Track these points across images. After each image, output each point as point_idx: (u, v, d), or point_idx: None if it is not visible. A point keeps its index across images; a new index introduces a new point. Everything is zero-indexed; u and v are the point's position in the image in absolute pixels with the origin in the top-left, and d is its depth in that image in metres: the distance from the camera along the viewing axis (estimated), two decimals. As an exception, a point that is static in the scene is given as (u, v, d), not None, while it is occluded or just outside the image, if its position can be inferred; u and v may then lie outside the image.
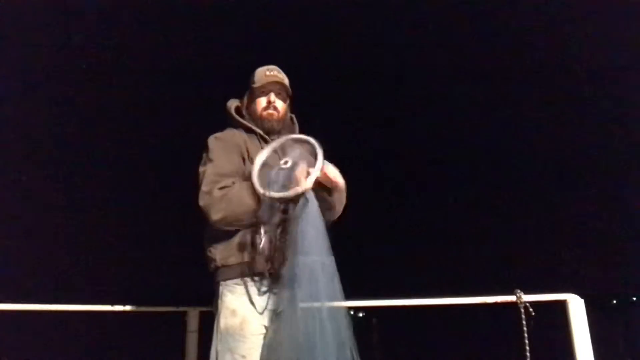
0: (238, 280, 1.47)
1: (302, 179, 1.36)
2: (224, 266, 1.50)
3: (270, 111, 1.62)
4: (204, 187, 1.49)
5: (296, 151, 1.44)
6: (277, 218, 1.42)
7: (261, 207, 1.41)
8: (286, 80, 1.68)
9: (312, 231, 1.34)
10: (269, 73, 1.65)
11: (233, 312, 1.43)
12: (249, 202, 1.42)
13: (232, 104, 1.73)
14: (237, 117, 1.67)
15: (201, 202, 1.46)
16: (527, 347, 1.84)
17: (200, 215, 1.49)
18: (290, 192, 1.36)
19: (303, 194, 1.37)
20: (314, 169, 1.38)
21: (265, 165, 1.46)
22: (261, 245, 1.44)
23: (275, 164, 1.44)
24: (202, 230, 1.62)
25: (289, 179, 1.38)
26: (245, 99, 1.71)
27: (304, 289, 1.30)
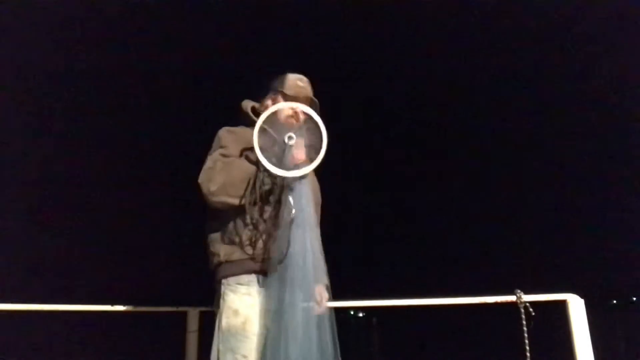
0: (240, 279, 1.48)
1: (304, 160, 1.41)
2: (227, 262, 1.50)
3: (293, 121, 1.61)
4: (207, 164, 1.50)
5: (296, 126, 1.46)
6: (274, 189, 1.45)
7: (259, 174, 1.44)
8: (311, 93, 1.70)
9: (305, 206, 1.40)
10: (301, 84, 1.66)
11: (235, 312, 1.43)
12: (248, 168, 1.46)
13: (248, 104, 1.73)
14: (254, 117, 1.65)
15: (200, 178, 1.46)
16: (527, 347, 1.84)
17: (198, 193, 1.47)
18: (298, 173, 1.38)
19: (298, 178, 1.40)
20: (319, 152, 1.41)
21: (265, 137, 1.44)
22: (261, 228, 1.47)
23: (274, 135, 1.45)
24: (204, 227, 1.62)
25: (293, 158, 1.41)
26: (268, 100, 1.70)
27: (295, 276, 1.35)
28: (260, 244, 1.49)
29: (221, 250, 1.52)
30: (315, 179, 1.81)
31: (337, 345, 1.44)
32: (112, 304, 2.08)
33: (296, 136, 1.43)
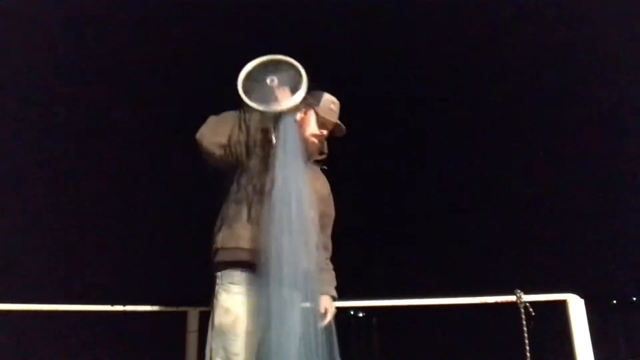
0: (233, 278, 1.49)
1: (283, 100, 1.45)
2: (222, 248, 1.52)
3: (316, 141, 1.69)
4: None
5: (283, 73, 1.50)
6: (258, 131, 1.50)
7: (243, 114, 1.50)
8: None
9: (290, 155, 1.43)
10: (334, 108, 1.72)
11: (226, 311, 1.45)
12: (239, 112, 1.52)
13: None
14: None
15: (197, 133, 1.52)
16: (527, 347, 1.84)
17: (196, 149, 1.53)
18: (279, 106, 1.44)
19: (282, 115, 1.46)
20: (297, 93, 1.46)
21: (250, 77, 1.50)
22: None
23: (260, 78, 1.49)
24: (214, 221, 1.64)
25: (271, 96, 1.46)
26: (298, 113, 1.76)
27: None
28: (250, 193, 1.52)
29: (219, 237, 1.54)
30: (325, 185, 1.80)
31: (336, 347, 1.44)
32: (112, 304, 2.08)
33: (278, 81, 1.47)
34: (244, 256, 1.48)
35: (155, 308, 2.14)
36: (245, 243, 1.49)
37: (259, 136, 1.51)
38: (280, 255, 1.36)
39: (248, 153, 1.52)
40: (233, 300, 1.46)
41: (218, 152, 1.50)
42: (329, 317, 1.62)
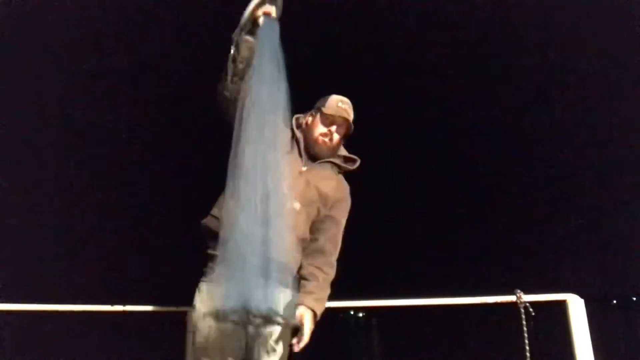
0: (207, 275, 1.54)
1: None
2: (209, 215, 1.58)
3: (326, 139, 1.70)
4: None
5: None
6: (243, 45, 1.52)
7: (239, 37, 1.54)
8: (352, 117, 1.75)
9: (268, 59, 1.45)
10: (341, 106, 1.72)
11: (193, 307, 1.55)
12: None
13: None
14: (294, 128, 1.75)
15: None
16: (527, 347, 1.84)
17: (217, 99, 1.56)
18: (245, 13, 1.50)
19: (256, 20, 1.48)
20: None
21: None
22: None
23: None
24: None
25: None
26: (308, 117, 1.77)
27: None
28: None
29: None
30: (339, 190, 1.74)
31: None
32: (112, 304, 2.08)
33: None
34: (212, 223, 1.54)
35: (155, 308, 2.14)
36: (216, 210, 1.55)
37: (242, 49, 1.50)
38: (238, 228, 1.30)
39: (237, 73, 1.51)
40: (199, 297, 1.55)
41: (222, 85, 1.54)
42: (305, 335, 1.38)
